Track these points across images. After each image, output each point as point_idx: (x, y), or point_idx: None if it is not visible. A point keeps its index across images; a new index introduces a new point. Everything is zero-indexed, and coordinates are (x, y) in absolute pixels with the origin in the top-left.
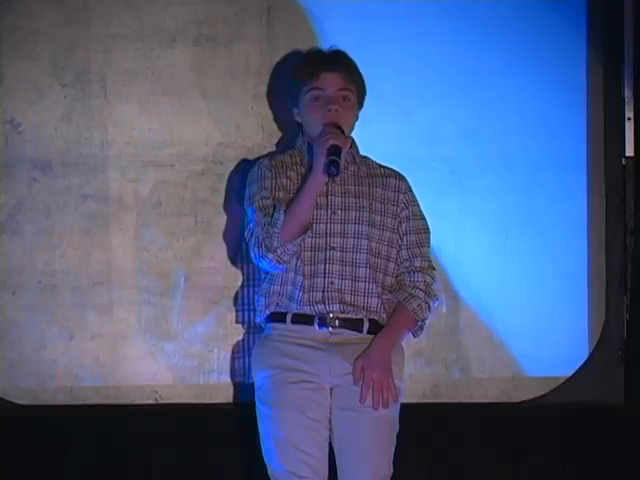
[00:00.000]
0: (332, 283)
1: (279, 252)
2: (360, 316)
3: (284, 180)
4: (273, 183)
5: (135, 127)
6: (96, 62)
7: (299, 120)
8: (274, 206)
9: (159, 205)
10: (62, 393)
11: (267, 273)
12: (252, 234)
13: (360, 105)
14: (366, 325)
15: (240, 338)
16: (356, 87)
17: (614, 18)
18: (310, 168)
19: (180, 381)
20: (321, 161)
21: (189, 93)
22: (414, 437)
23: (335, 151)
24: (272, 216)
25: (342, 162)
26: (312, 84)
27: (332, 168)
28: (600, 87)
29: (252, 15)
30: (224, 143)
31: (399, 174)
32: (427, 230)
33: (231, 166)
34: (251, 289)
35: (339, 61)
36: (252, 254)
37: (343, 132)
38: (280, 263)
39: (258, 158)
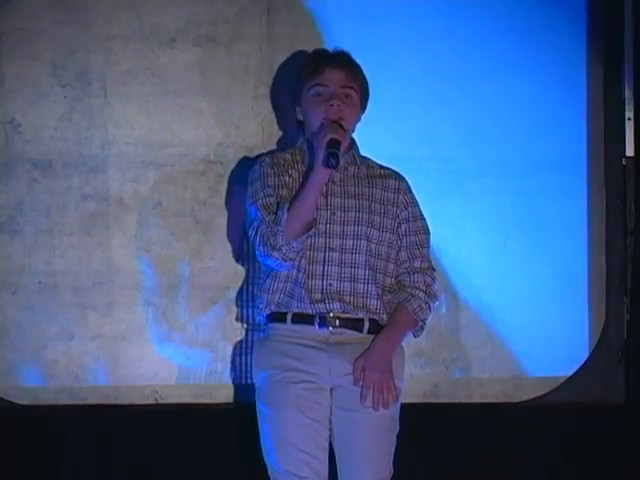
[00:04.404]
0: (330, 285)
1: (284, 250)
2: (360, 316)
3: (286, 177)
4: (276, 180)
5: (135, 127)
6: (96, 62)
7: (301, 118)
8: (277, 204)
9: (159, 205)
10: (62, 393)
11: (270, 270)
12: (257, 232)
13: (363, 108)
14: (366, 325)
15: (240, 338)
16: (359, 87)
17: (614, 18)
18: (311, 167)
19: (180, 381)
20: (320, 156)
21: (189, 93)
22: (414, 437)
23: (334, 144)
24: (276, 214)
25: (341, 155)
26: (315, 80)
27: (331, 160)
28: (600, 87)
29: (252, 15)
30: (224, 143)
31: (399, 175)
32: (427, 231)
33: (231, 166)
34: (252, 288)
35: (343, 59)
36: (257, 252)
37: (342, 127)
38: (286, 261)
39: (259, 156)
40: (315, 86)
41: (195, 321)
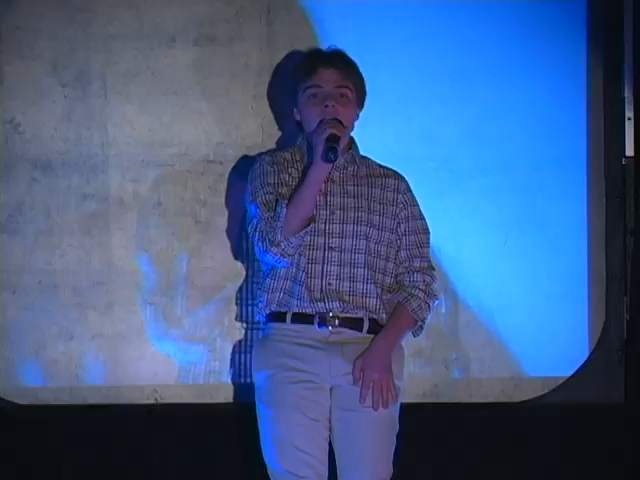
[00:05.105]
0: (330, 284)
1: (283, 246)
2: (360, 315)
3: (286, 176)
4: (275, 178)
5: (135, 127)
6: (96, 62)
7: (298, 119)
8: (277, 201)
9: (159, 205)
10: (62, 393)
11: (270, 269)
12: (255, 229)
13: (361, 105)
14: (366, 324)
15: (240, 338)
16: (354, 85)
17: (614, 18)
18: (310, 163)
19: (180, 381)
20: (319, 151)
21: (189, 93)
22: (414, 437)
23: (333, 139)
24: (275, 210)
25: (340, 151)
26: (310, 81)
27: (330, 154)
28: (600, 87)
29: (252, 15)
30: (224, 143)
31: (398, 174)
32: (426, 230)
33: (231, 166)
34: (251, 287)
35: (337, 58)
36: (256, 249)
37: (341, 123)
38: (284, 257)
39: (258, 155)
40: (310, 87)
41: (194, 320)
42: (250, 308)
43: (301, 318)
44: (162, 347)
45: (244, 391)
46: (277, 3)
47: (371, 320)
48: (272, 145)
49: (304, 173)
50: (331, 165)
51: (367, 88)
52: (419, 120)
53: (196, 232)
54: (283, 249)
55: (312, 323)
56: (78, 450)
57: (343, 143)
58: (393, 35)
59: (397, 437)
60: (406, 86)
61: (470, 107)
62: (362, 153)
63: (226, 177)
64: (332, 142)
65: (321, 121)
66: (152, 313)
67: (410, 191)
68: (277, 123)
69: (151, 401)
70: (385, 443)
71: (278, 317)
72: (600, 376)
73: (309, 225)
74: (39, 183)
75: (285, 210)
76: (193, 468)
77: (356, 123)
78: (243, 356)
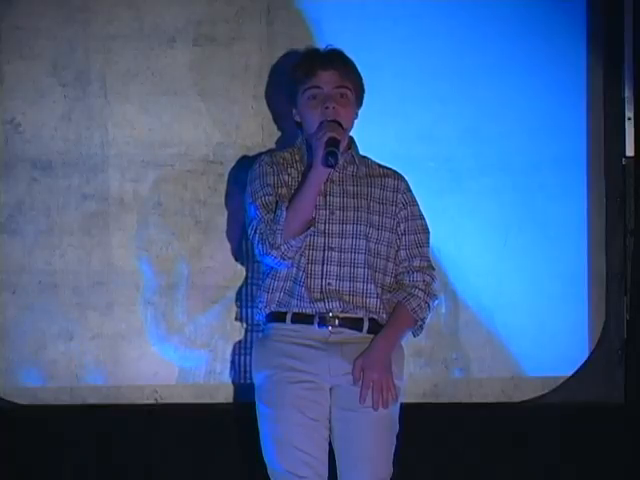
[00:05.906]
0: (330, 284)
1: (283, 249)
2: (360, 315)
3: (285, 176)
4: (275, 179)
5: (135, 127)
6: (96, 62)
7: (298, 119)
8: (276, 202)
9: (159, 205)
10: (62, 393)
11: (270, 269)
12: (255, 231)
13: (359, 103)
14: (366, 324)
15: (240, 338)
16: (353, 84)
17: (614, 18)
18: (310, 165)
19: (180, 381)
20: (319, 155)
21: (189, 93)
22: (414, 437)
23: (333, 143)
24: (275, 213)
25: (340, 154)
26: (309, 83)
27: (330, 159)
28: (600, 87)
29: (252, 15)
30: (224, 143)
31: (398, 174)
32: (426, 230)
33: (231, 166)
34: (251, 287)
35: (335, 59)
36: (256, 251)
37: (341, 125)
38: (285, 260)
39: (258, 155)
40: (309, 89)
41: (194, 321)
42: (250, 310)
43: (301, 318)
44: (162, 347)
45: (244, 391)
46: (277, 3)
47: (371, 320)
48: (272, 145)
49: (304, 174)
50: (331, 169)
51: (366, 88)
52: (419, 120)
53: (196, 232)
54: (283, 252)
55: (312, 323)
56: (78, 450)
57: (343, 145)
58: (393, 34)
59: (397, 437)
60: (405, 86)
61: (470, 107)
62: (362, 153)
63: (226, 177)
64: (332, 146)
65: (321, 123)
66: (152, 313)
67: (410, 191)
68: (277, 123)
69: (151, 401)
70: (385, 443)
71: (278, 317)
72: (600, 376)
73: (309, 228)
74: (39, 183)
75: (285, 213)
76: (193, 468)
77: (356, 122)
78: (243, 356)
